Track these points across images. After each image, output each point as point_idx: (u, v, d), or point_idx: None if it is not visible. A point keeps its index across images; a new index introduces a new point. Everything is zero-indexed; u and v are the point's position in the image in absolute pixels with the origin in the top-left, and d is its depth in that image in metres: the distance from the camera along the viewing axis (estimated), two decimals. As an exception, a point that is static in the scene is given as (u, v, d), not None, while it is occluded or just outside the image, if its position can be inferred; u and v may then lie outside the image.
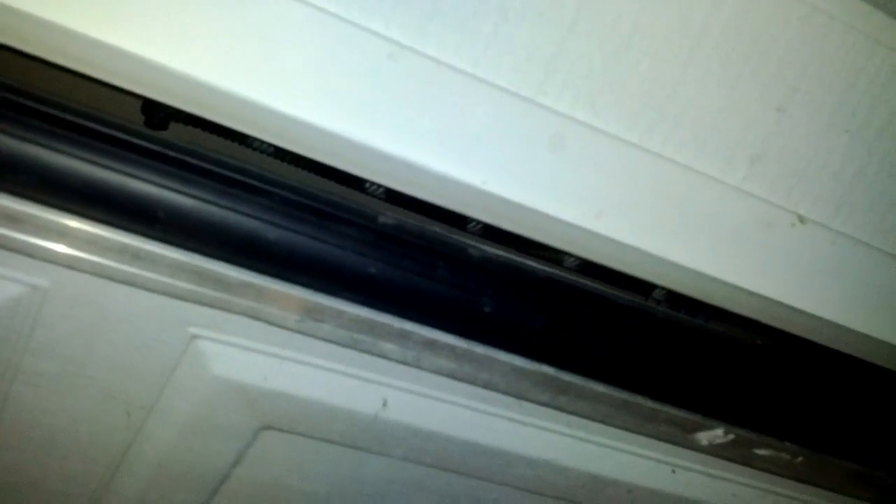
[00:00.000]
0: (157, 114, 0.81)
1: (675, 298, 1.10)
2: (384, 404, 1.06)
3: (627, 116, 0.96)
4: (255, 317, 0.81)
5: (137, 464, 1.15)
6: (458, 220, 0.85)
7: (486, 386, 0.88)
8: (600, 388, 0.87)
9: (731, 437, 0.95)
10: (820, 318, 1.04)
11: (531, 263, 0.88)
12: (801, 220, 1.06)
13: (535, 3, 0.89)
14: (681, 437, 0.98)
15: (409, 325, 0.80)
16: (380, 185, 0.80)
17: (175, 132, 0.99)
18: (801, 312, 1.03)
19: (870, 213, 1.09)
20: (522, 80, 0.92)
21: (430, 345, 0.82)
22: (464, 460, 1.17)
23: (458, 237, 0.84)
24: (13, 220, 0.71)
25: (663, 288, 1.05)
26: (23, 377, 1.01)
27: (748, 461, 1.01)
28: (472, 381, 0.89)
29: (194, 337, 0.96)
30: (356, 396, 1.04)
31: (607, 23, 0.93)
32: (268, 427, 1.10)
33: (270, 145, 0.79)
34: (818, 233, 1.06)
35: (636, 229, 0.95)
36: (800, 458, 0.99)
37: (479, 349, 0.82)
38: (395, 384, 1.00)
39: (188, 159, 0.73)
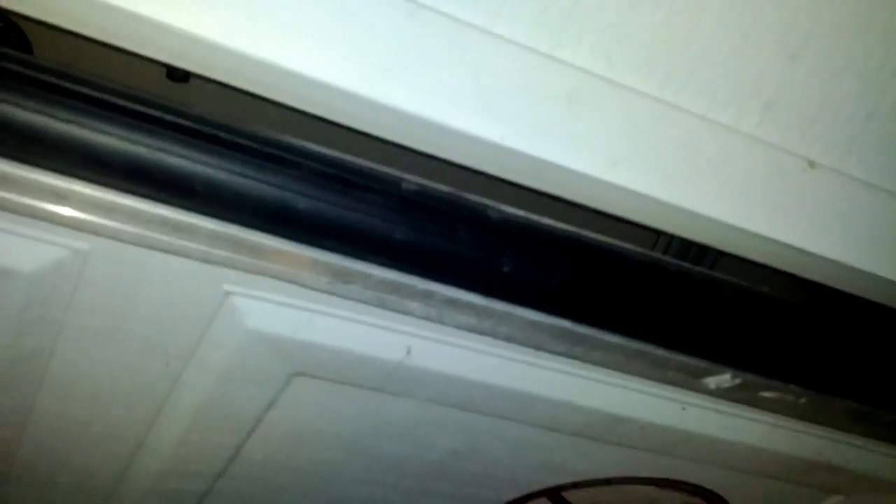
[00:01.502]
0: (179, 68, 0.84)
1: (682, 246, 1.14)
2: (408, 352, 1.11)
3: (643, 68, 0.98)
4: (289, 280, 0.86)
5: (176, 409, 1.22)
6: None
7: (506, 339, 0.94)
8: (614, 338, 0.92)
9: (738, 380, 1.00)
10: (828, 259, 1.07)
11: (548, 222, 0.92)
12: (812, 164, 1.09)
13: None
14: (690, 382, 1.03)
15: (432, 285, 0.85)
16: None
17: (196, 85, 1.02)
18: (810, 254, 1.06)
19: (882, 156, 1.12)
20: (539, 35, 0.95)
21: (452, 303, 0.87)
22: (485, 402, 1.23)
23: (478, 199, 0.87)
24: (61, 196, 0.75)
25: (672, 235, 1.08)
26: (68, 332, 1.07)
27: (755, 402, 1.07)
28: (492, 335, 0.94)
29: (228, 293, 1.02)
30: (382, 345, 1.10)
31: (621, -24, 0.95)
32: (299, 374, 1.16)
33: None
34: (829, 177, 1.09)
35: (650, 178, 0.98)
36: (804, 399, 1.05)
37: (499, 306, 0.87)
38: (418, 334, 1.06)
39: (221, 134, 0.77)
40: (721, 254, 1.14)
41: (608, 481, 1.48)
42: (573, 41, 0.97)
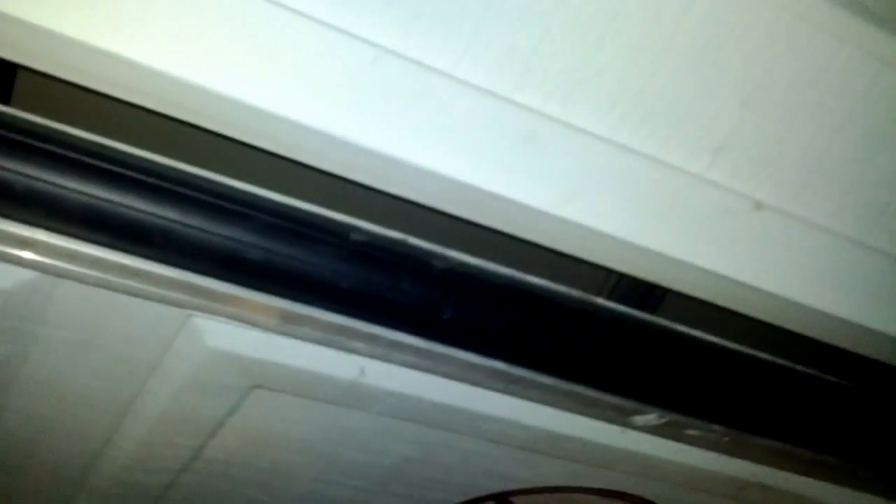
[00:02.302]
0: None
1: (628, 287, 1.20)
2: (362, 372, 1.18)
3: (598, 111, 1.03)
4: (241, 321, 0.92)
5: (141, 413, 1.28)
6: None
7: (446, 377, 1.00)
8: (547, 379, 0.99)
9: (664, 419, 1.07)
10: (767, 292, 1.12)
11: (490, 267, 0.98)
12: (759, 206, 1.15)
13: (514, 4, 0.95)
14: (620, 419, 1.10)
15: (376, 329, 0.91)
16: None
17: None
18: (750, 287, 1.11)
19: (828, 199, 1.18)
20: (499, 79, 1.00)
21: (395, 345, 0.93)
22: (435, 417, 1.30)
23: (425, 247, 0.93)
24: (25, 243, 0.81)
25: (620, 275, 1.14)
26: (40, 342, 1.14)
27: (680, 439, 1.14)
28: (434, 373, 1.00)
29: (190, 315, 1.08)
30: (337, 365, 1.16)
31: (582, 24, 1.00)
32: (258, 386, 1.23)
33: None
34: (775, 217, 1.15)
35: (601, 214, 1.04)
36: (726, 438, 1.12)
37: (439, 348, 0.94)
38: (371, 357, 1.12)
39: (180, 189, 0.82)
40: (664, 296, 1.20)
41: (555, 489, 1.55)
42: (532, 85, 1.02)
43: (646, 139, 1.07)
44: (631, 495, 1.58)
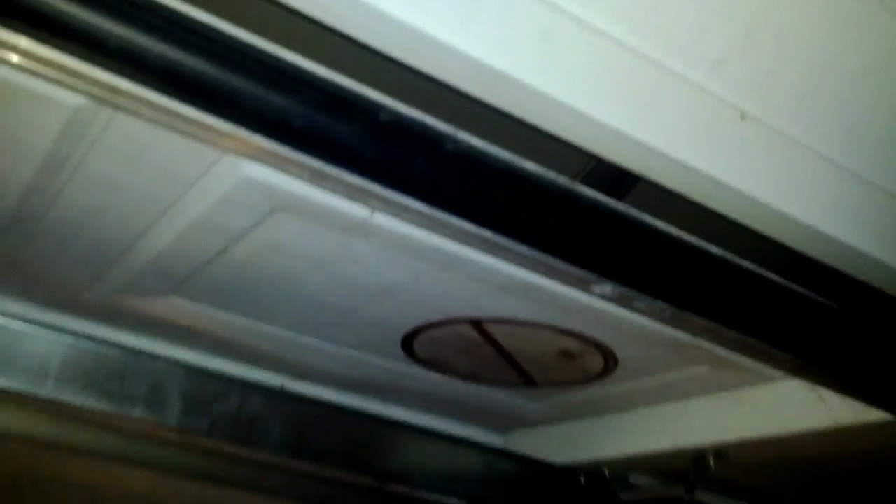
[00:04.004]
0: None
1: (598, 176, 1.36)
2: (371, 214, 1.38)
3: (614, 15, 1.16)
4: (276, 168, 1.12)
5: (178, 216, 1.50)
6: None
7: (442, 235, 1.22)
8: (523, 249, 1.18)
9: (617, 292, 1.29)
10: (736, 190, 1.28)
11: (492, 152, 1.15)
12: (744, 116, 1.30)
13: None
14: (581, 286, 1.32)
15: (390, 193, 1.10)
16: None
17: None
18: (716, 182, 1.27)
19: (809, 120, 1.33)
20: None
21: (404, 207, 1.12)
22: (427, 255, 1.51)
23: (441, 131, 1.10)
24: (116, 92, 0.98)
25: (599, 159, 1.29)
26: (95, 153, 1.32)
27: (631, 308, 1.36)
28: (432, 231, 1.22)
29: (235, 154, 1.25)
30: (351, 207, 1.35)
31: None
32: (280, 210, 1.43)
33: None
34: (758, 127, 1.30)
35: (602, 105, 1.18)
36: (667, 312, 1.34)
37: (440, 215, 1.13)
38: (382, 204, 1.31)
39: (246, 60, 0.98)
40: (634, 185, 1.36)
41: (523, 323, 1.80)
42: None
43: (653, 45, 1.20)
44: (589, 337, 1.84)
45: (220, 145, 1.10)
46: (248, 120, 1.01)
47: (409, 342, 1.92)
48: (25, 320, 1.79)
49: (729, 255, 1.38)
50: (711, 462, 2.14)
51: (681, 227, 1.35)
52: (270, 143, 1.04)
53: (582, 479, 2.41)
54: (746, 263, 1.39)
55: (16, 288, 1.84)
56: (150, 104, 1.00)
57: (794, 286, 1.44)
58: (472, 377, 2.07)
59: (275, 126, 1.02)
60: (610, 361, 1.96)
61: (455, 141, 1.11)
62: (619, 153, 1.25)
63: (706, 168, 1.27)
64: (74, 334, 1.83)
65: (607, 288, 1.28)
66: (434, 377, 2.11)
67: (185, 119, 1.02)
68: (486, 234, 1.17)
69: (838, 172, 1.37)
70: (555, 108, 1.14)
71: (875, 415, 1.76)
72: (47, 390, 1.78)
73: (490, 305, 1.74)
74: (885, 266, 1.39)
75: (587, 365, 1.99)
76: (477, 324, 1.83)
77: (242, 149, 1.07)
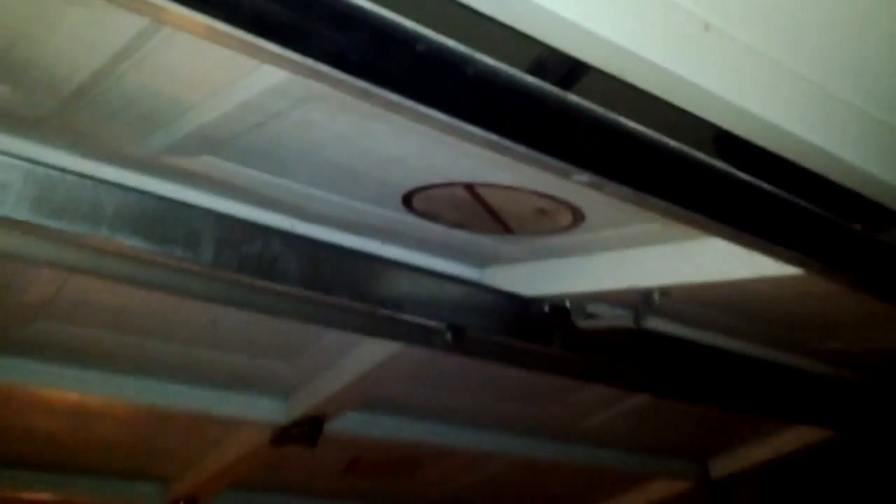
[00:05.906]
0: None
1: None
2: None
3: None
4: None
5: (220, 100, 1.76)
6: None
7: (464, 138, 1.52)
8: (510, 143, 1.50)
9: (591, 180, 1.62)
10: (697, 86, 1.55)
11: (503, 70, 1.43)
12: (708, 27, 1.56)
13: None
14: (563, 174, 1.64)
15: (420, 107, 1.39)
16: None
17: None
18: (680, 78, 1.54)
19: (775, 33, 1.59)
20: None
21: (427, 117, 1.42)
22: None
23: (463, 54, 1.38)
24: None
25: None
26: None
27: (600, 190, 1.70)
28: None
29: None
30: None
31: None
32: (313, 98, 1.70)
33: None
34: (721, 37, 1.56)
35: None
36: (632, 196, 1.68)
37: (457, 123, 1.43)
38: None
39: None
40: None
41: (508, 188, 2.14)
42: None
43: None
44: (562, 199, 2.18)
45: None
46: (313, 51, 1.29)
47: (408, 199, 2.25)
48: (79, 175, 2.07)
49: (686, 148, 1.70)
50: (657, 298, 2.56)
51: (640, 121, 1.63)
52: (328, 68, 1.31)
53: (546, 309, 2.82)
54: (700, 154, 1.71)
55: (68, 143, 2.10)
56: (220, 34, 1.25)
57: (738, 173, 1.77)
58: (459, 225, 2.42)
59: (335, 58, 1.29)
60: (578, 217, 2.32)
61: (475, 65, 1.39)
62: (576, 47, 1.46)
63: (673, 67, 1.53)
64: (123, 187, 2.11)
65: (584, 177, 1.61)
66: (426, 224, 2.45)
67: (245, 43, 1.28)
68: (493, 137, 1.48)
69: (796, 79, 1.62)
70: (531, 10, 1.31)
71: (791, 270, 2.17)
72: (102, 234, 2.08)
73: (482, 174, 2.06)
74: (833, 157, 1.68)
75: (558, 219, 2.35)
76: (469, 187, 2.16)
77: (298, 71, 1.34)
